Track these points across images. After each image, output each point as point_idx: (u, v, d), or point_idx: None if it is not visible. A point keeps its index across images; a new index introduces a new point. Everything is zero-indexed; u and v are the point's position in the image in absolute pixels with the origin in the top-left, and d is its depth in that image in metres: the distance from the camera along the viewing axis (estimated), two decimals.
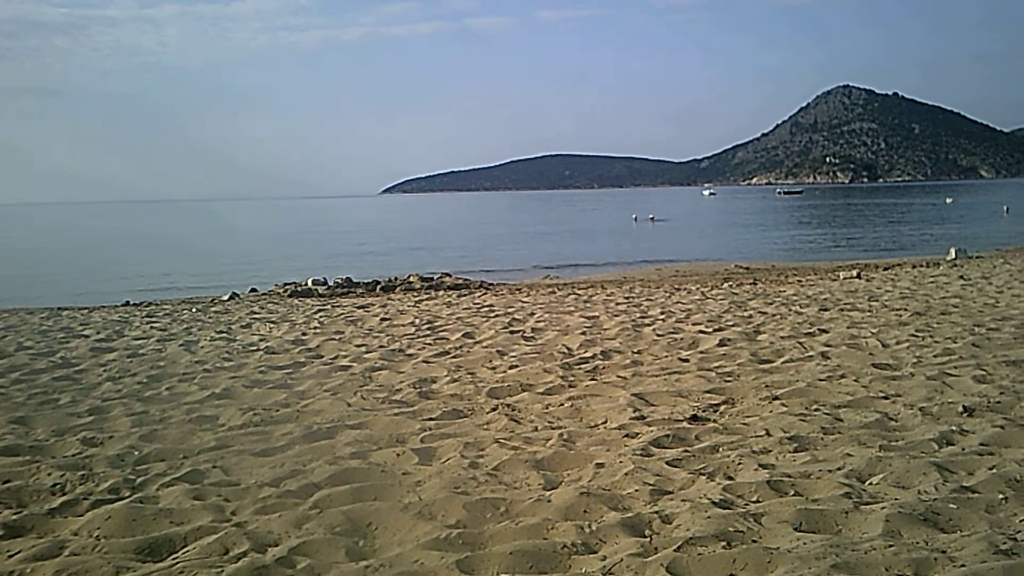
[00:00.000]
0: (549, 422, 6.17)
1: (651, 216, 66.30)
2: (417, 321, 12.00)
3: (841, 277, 17.70)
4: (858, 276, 17.56)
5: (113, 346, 10.41)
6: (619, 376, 7.64)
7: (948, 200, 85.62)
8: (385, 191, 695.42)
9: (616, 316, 11.68)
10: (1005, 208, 59.46)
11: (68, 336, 11.47)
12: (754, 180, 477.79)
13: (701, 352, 8.69)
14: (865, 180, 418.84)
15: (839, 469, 4.72)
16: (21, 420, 6.61)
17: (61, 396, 7.48)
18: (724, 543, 3.78)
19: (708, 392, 6.81)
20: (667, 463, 5.00)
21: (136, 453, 5.61)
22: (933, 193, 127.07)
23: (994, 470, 4.55)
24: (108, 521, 4.35)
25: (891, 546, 3.67)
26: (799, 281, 17.48)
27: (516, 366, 8.28)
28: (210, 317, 13.64)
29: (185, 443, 5.87)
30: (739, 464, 4.91)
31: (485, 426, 6.13)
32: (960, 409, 5.87)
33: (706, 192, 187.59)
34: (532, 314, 12.37)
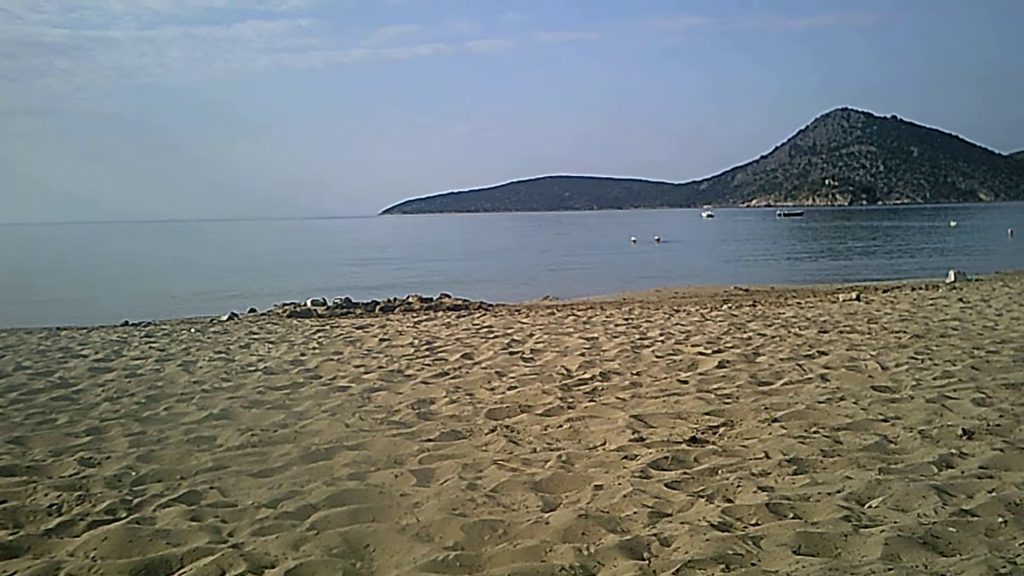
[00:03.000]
0: (548, 444, 6.16)
1: (657, 237, 66.49)
2: (416, 342, 11.99)
3: (840, 299, 17.72)
4: (857, 298, 17.57)
5: (111, 366, 10.39)
6: (618, 398, 7.63)
7: (952, 223, 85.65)
8: (385, 212, 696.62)
9: (615, 337, 11.68)
10: (1009, 231, 59.57)
11: (66, 356, 11.45)
12: (753, 202, 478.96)
13: (700, 374, 8.68)
14: (864, 203, 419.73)
15: (838, 492, 4.71)
16: (18, 440, 6.59)
17: (59, 416, 7.46)
18: (723, 566, 3.77)
19: (707, 414, 6.79)
20: (666, 485, 4.98)
21: (133, 474, 5.59)
22: (935, 216, 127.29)
23: (993, 493, 4.54)
24: (104, 542, 4.33)
25: (890, 569, 3.65)
26: (798, 303, 17.49)
27: (515, 387, 8.27)
28: (209, 337, 13.63)
29: (182, 464, 5.86)
30: (738, 486, 4.90)
31: (484, 447, 6.12)
32: (959, 432, 5.86)
33: (704, 214, 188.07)
34: (531, 335, 12.37)
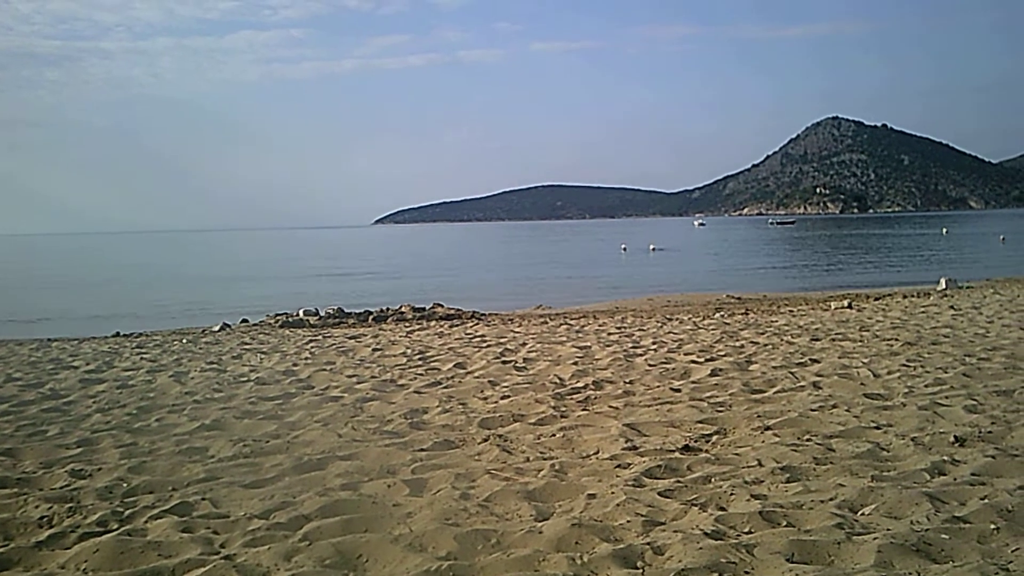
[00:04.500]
0: (541, 452, 6.15)
1: (652, 246, 66.61)
2: (409, 351, 11.97)
3: (832, 307, 17.74)
4: (849, 306, 17.61)
5: (103, 377, 10.35)
6: (611, 406, 7.63)
7: (944, 231, 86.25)
8: (378, 221, 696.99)
9: (608, 346, 11.68)
10: (1001, 238, 59.97)
11: (57, 367, 11.40)
12: (745, 211, 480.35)
13: (693, 382, 8.68)
14: (855, 211, 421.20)
15: (831, 499, 4.71)
16: (9, 452, 6.56)
17: (50, 428, 7.43)
18: (716, 574, 3.77)
19: (700, 422, 6.80)
20: (659, 494, 4.98)
21: (125, 485, 5.56)
22: (927, 224, 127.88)
23: (986, 500, 4.55)
24: (96, 554, 4.30)
25: None
26: (791, 311, 17.52)
27: (508, 396, 8.26)
28: (200, 348, 13.59)
29: (174, 475, 5.83)
30: (731, 495, 4.90)
31: (476, 457, 6.11)
32: (951, 439, 5.88)
33: (696, 223, 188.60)
34: (524, 344, 12.36)
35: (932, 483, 4.95)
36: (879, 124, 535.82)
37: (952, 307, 16.06)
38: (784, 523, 4.40)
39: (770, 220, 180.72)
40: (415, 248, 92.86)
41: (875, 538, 4.06)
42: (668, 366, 9.72)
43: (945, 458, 5.45)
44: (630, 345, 11.78)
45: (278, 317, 19.02)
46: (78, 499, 5.29)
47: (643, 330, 13.99)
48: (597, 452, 6.09)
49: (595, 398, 8.05)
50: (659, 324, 15.15)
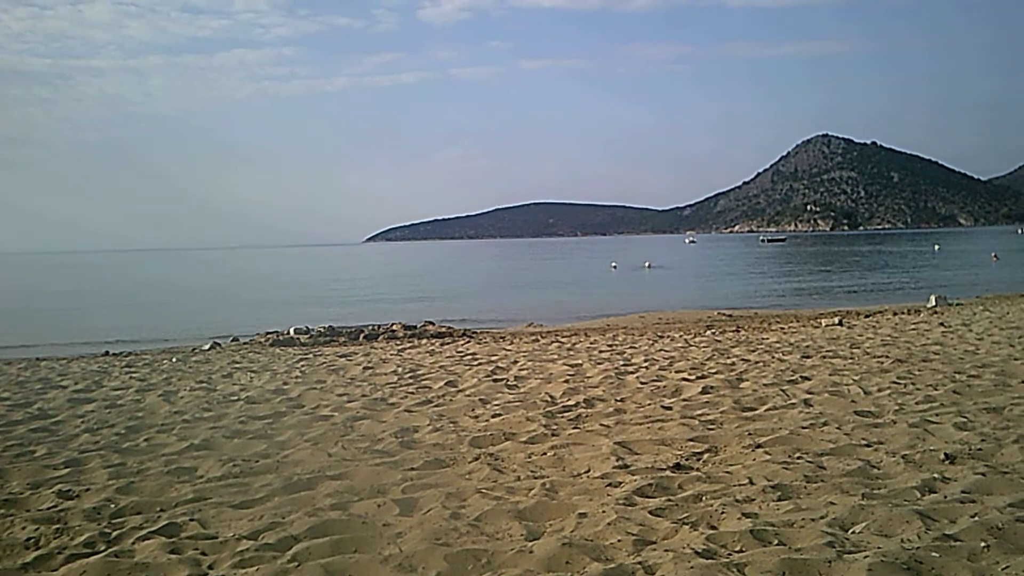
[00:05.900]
0: (532, 471, 6.13)
1: (647, 263, 66.61)
2: (400, 370, 11.95)
3: (823, 324, 17.79)
4: (840, 323, 17.66)
5: (91, 397, 10.30)
6: (602, 424, 7.62)
7: (936, 248, 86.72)
8: (369, 239, 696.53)
9: (599, 364, 11.68)
10: (993, 255, 60.26)
11: (45, 387, 11.34)
12: (736, 228, 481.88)
13: (684, 400, 8.68)
14: (846, 228, 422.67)
15: (822, 517, 4.71)
16: None
17: (37, 448, 7.38)
18: None
19: (691, 440, 6.79)
20: (650, 512, 4.96)
21: (112, 506, 5.52)
22: (918, 240, 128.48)
23: (976, 518, 4.55)
24: None
25: None
26: (781, 328, 17.56)
27: (499, 415, 8.24)
28: (190, 367, 13.54)
29: (162, 495, 5.80)
30: (722, 513, 4.89)
31: (467, 476, 6.08)
32: (942, 456, 5.88)
33: (687, 240, 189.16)
34: (515, 362, 12.35)
35: (923, 501, 4.96)
36: (869, 142, 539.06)
37: (942, 324, 16.12)
38: (775, 541, 4.39)
39: (761, 237, 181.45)
40: (406, 266, 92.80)
41: (866, 556, 4.05)
42: (659, 384, 9.71)
43: (935, 476, 5.45)
44: (621, 363, 11.77)
45: (268, 335, 18.98)
46: (65, 520, 5.25)
47: (634, 348, 14.00)
48: (588, 471, 6.07)
49: (586, 416, 8.04)
50: (650, 342, 15.16)
